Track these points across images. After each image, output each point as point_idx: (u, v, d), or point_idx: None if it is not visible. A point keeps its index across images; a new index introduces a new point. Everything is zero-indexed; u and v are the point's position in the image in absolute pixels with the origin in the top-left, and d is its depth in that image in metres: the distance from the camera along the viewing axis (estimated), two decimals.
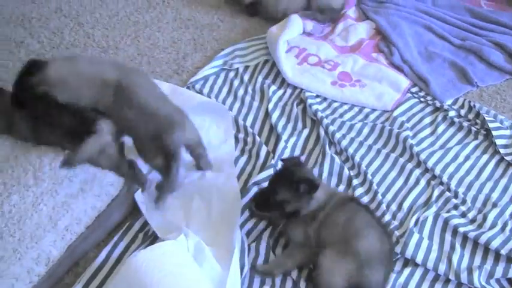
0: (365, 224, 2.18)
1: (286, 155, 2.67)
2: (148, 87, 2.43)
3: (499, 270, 2.29)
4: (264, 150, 2.67)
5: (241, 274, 2.20)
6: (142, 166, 2.48)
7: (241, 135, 2.76)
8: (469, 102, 2.94)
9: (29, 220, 2.21)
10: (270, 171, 2.54)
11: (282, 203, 2.19)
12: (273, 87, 3.00)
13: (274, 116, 2.85)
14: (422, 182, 2.57)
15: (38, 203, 2.25)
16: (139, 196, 2.47)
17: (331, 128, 2.75)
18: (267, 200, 2.22)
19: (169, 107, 2.39)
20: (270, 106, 2.89)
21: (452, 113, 2.88)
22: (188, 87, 2.99)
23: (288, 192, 2.18)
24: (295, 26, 3.27)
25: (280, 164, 2.52)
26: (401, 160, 2.65)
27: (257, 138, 2.72)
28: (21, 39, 3.27)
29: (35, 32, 3.32)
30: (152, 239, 2.33)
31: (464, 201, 2.50)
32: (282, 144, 2.69)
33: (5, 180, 2.29)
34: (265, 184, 2.40)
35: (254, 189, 2.49)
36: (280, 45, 3.11)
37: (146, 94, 2.38)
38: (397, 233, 2.34)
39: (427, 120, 2.87)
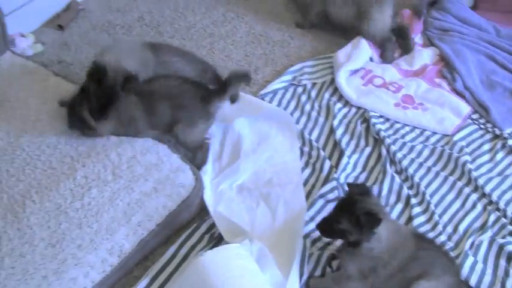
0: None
1: (348, 170, 2.67)
2: None
3: None
4: (327, 164, 2.68)
5: (300, 282, 2.21)
6: None
7: (306, 149, 2.76)
8: None
9: (105, 213, 2.26)
10: (333, 184, 2.55)
11: (343, 232, 2.05)
12: (339, 105, 3.00)
13: (339, 133, 2.85)
14: (479, 207, 2.54)
15: (115, 198, 2.31)
16: (208, 198, 2.49)
17: (393, 148, 2.74)
18: (330, 227, 2.08)
19: None
20: (335, 123, 2.89)
21: (511, 142, 2.83)
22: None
23: (349, 223, 2.01)
24: (361, 56, 3.27)
25: (345, 188, 2.49)
26: (459, 184, 2.62)
27: (321, 152, 2.73)
28: (105, 43, 3.33)
29: (118, 38, 3.39)
30: (217, 241, 2.36)
31: None
32: (344, 159, 2.69)
33: (87, 174, 2.35)
34: (331, 196, 2.41)
35: (320, 202, 2.50)
36: (341, 73, 3.12)
37: None
38: (452, 254, 2.31)
39: (486, 146, 2.84)
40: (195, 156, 2.66)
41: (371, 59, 3.32)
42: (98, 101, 2.47)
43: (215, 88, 2.68)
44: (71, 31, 3.44)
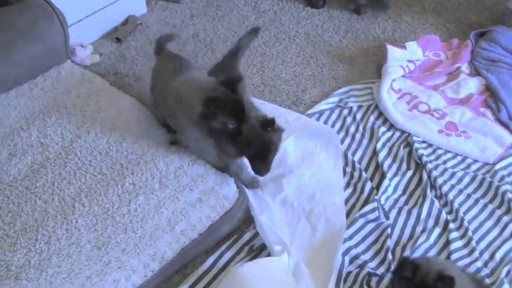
0: None
1: (388, 193, 2.66)
2: None
3: None
4: (368, 185, 2.66)
5: None
6: None
7: (348, 169, 2.76)
8: None
9: (150, 220, 2.29)
10: (374, 205, 2.54)
11: None
12: (383, 128, 2.98)
13: (381, 155, 2.83)
14: None
15: (160, 206, 2.34)
16: (253, 209, 2.51)
17: (434, 173, 2.71)
18: None
19: None
20: (378, 145, 2.87)
21: None
22: None
23: None
24: (391, 70, 3.28)
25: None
26: (499, 212, 2.58)
27: (363, 173, 2.71)
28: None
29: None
30: (256, 253, 2.36)
31: None
32: (386, 182, 2.67)
33: (135, 181, 2.39)
34: (371, 216, 2.45)
35: (360, 221, 2.50)
36: (385, 96, 3.12)
37: None
38: (488, 280, 2.28)
39: None
40: None
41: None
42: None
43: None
44: (128, 44, 3.50)
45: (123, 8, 3.63)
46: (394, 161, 2.83)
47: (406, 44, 3.47)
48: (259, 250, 2.36)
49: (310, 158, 2.80)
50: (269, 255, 2.28)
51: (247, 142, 2.28)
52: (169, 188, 2.40)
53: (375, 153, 2.86)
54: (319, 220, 2.51)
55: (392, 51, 3.38)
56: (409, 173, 2.77)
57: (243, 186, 2.57)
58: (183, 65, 2.64)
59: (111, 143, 2.56)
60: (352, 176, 2.73)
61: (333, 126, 3.01)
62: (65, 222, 2.24)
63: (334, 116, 3.07)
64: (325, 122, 3.03)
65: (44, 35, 2.92)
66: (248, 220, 2.49)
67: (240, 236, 2.43)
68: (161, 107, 2.61)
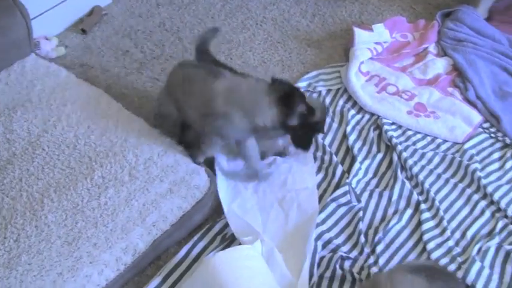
0: None
1: (359, 176, 2.65)
2: None
3: None
4: (339, 169, 2.66)
5: (309, 283, 2.19)
6: None
7: (319, 154, 2.74)
8: None
9: (121, 213, 2.25)
10: (345, 188, 2.53)
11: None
12: (352, 112, 2.97)
13: (351, 139, 2.82)
14: (487, 213, 2.50)
15: (131, 198, 2.30)
16: (223, 196, 2.50)
17: (404, 155, 2.71)
18: None
19: None
20: (348, 129, 2.86)
21: None
22: None
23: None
24: (359, 53, 3.28)
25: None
26: (469, 191, 2.59)
27: (334, 157, 2.71)
28: (126, 48, 3.35)
29: (139, 43, 3.40)
30: (229, 242, 2.34)
31: None
32: (356, 165, 2.66)
33: (104, 174, 2.35)
34: (343, 200, 2.48)
35: (332, 206, 2.49)
36: (353, 79, 3.10)
37: None
38: (459, 259, 2.30)
39: (496, 155, 2.80)
40: None
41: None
42: None
43: None
44: (93, 35, 3.45)
45: None
46: (364, 144, 2.82)
47: (373, 26, 3.46)
48: (231, 239, 2.35)
49: None
50: (241, 244, 2.27)
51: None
52: (139, 179, 2.37)
53: (345, 136, 2.85)
54: (291, 206, 2.50)
55: (360, 34, 3.37)
56: (380, 156, 2.77)
57: (214, 176, 2.55)
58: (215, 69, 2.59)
59: (78, 136, 2.52)
60: (323, 161, 2.72)
61: None
62: (34, 218, 2.20)
63: None
64: None
65: (6, 29, 2.85)
66: (220, 209, 2.46)
67: (213, 225, 2.41)
68: (192, 113, 2.53)
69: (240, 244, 2.28)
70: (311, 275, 2.22)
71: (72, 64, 3.20)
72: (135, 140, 2.52)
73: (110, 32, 3.48)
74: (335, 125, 2.92)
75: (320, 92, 3.10)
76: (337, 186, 2.59)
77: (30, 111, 2.63)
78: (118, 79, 3.12)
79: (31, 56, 2.98)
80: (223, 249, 2.25)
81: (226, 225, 2.40)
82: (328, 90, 3.13)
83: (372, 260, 2.31)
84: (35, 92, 2.74)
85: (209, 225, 2.41)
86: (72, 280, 2.06)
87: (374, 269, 2.27)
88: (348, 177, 2.61)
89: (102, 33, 3.47)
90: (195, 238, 2.37)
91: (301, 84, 3.12)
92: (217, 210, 2.48)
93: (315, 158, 2.73)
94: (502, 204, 2.53)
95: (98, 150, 2.46)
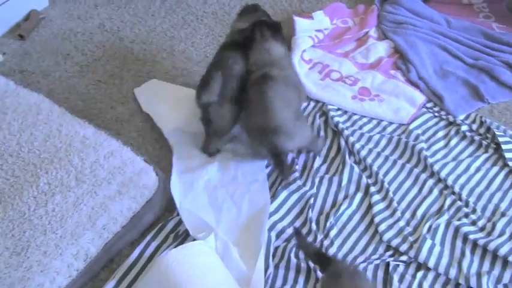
0: None
1: (308, 162, 2.65)
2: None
3: (507, 276, 2.25)
4: (289, 156, 2.65)
5: (265, 275, 2.18)
6: None
7: None
8: (481, 117, 2.89)
9: (70, 219, 2.21)
10: (294, 175, 2.55)
11: None
12: None
13: None
14: (435, 192, 2.53)
15: (79, 203, 2.26)
16: (175, 192, 2.46)
17: (351, 139, 2.72)
18: None
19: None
20: None
21: (464, 128, 2.83)
22: None
23: None
24: (300, 42, 3.28)
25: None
26: (416, 170, 2.61)
27: None
28: (67, 51, 3.28)
29: (79, 45, 3.34)
30: (182, 239, 2.31)
31: (474, 210, 2.46)
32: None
33: (50, 180, 2.30)
34: (294, 187, 2.50)
35: (283, 194, 2.49)
36: (296, 67, 3.09)
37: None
38: (411, 238, 2.31)
39: (441, 133, 2.83)
40: None
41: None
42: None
43: None
44: (32, 40, 3.37)
45: (23, 3, 3.48)
46: (311, 130, 2.82)
47: (313, 14, 3.47)
48: (185, 236, 2.32)
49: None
50: (195, 240, 2.24)
51: None
52: (86, 183, 2.32)
53: None
54: (243, 199, 2.48)
55: (300, 22, 3.37)
56: (328, 142, 2.77)
57: (163, 174, 2.52)
58: None
59: (21, 143, 2.46)
60: None
61: None
62: None
63: None
64: None
65: None
66: (171, 207, 2.44)
67: (165, 224, 2.38)
68: None
69: (193, 241, 2.25)
70: (267, 267, 2.21)
71: (11, 71, 3.12)
72: (80, 144, 2.47)
73: (49, 36, 3.41)
74: None
75: None
76: None
77: None
78: (60, 83, 3.06)
79: None
80: (176, 247, 2.22)
81: (179, 223, 2.37)
82: None
83: (326, 243, 2.32)
84: None
85: (161, 224, 2.38)
86: None
87: (329, 253, 2.28)
88: (297, 164, 2.62)
89: (40, 38, 3.39)
90: (148, 238, 2.33)
91: None
92: (168, 209, 2.45)
93: None
94: (449, 181, 2.56)
95: (42, 156, 2.41)
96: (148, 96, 2.97)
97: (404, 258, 2.26)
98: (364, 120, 2.91)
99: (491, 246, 2.30)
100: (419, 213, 2.45)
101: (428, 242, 2.28)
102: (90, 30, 3.47)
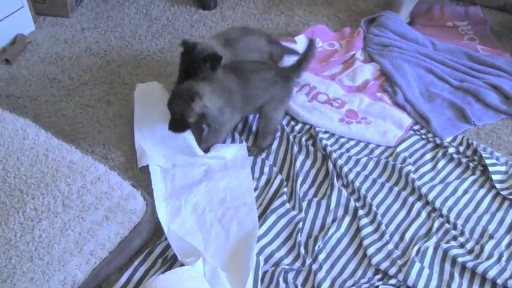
0: None
1: (298, 184, 2.65)
2: None
3: None
4: (278, 179, 2.67)
5: None
6: None
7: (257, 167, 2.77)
8: (467, 139, 2.91)
9: (57, 245, 2.19)
10: (283, 198, 2.55)
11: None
12: (285, 120, 3.03)
13: (287, 147, 2.87)
14: (423, 214, 2.54)
15: (66, 228, 2.24)
16: (162, 217, 2.45)
17: (339, 162, 2.73)
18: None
19: None
20: (284, 138, 2.91)
21: (451, 150, 2.85)
22: None
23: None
24: None
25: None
26: (404, 193, 2.62)
27: (274, 168, 2.75)
28: (53, 75, 3.28)
29: (66, 70, 3.34)
30: (170, 263, 2.30)
31: (462, 233, 2.47)
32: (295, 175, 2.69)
33: (36, 206, 2.28)
34: (282, 210, 2.50)
35: (272, 217, 2.48)
36: None
37: None
38: (399, 261, 2.31)
39: (428, 156, 2.85)
40: (267, 138, 2.85)
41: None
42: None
43: (293, 66, 2.95)
44: (18, 65, 3.36)
45: (9, 28, 3.49)
46: (299, 152, 2.84)
47: (295, 38, 3.50)
48: (173, 261, 2.30)
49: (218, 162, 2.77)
50: (183, 265, 2.23)
51: None
52: (73, 209, 2.31)
53: (281, 146, 2.89)
54: (231, 223, 2.47)
55: None
56: (316, 165, 2.78)
57: (150, 198, 2.51)
58: None
59: (7, 169, 2.44)
60: (262, 172, 2.74)
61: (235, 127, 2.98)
62: None
63: None
64: None
65: None
66: (159, 232, 2.43)
67: (153, 249, 2.37)
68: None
69: (182, 265, 2.24)
70: None
71: None
72: (67, 169, 2.46)
73: (36, 60, 3.41)
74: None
75: None
76: (275, 195, 2.60)
77: None
78: (46, 107, 3.05)
79: None
80: (164, 272, 2.21)
81: (167, 247, 2.36)
82: None
83: (315, 267, 2.31)
84: None
85: (149, 249, 2.36)
86: None
87: (318, 277, 2.27)
88: (286, 186, 2.63)
89: (27, 62, 3.39)
90: (136, 263, 2.31)
91: None
92: (156, 233, 2.44)
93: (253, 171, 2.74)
94: (437, 204, 2.57)
95: (28, 182, 2.39)
96: (145, 95, 3.04)
97: (393, 281, 2.26)
98: (352, 143, 2.92)
99: (480, 269, 2.30)
100: (407, 236, 2.46)
101: (417, 265, 2.29)
102: (77, 54, 3.47)
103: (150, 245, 2.40)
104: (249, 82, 2.68)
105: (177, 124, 2.60)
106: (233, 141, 2.88)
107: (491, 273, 2.29)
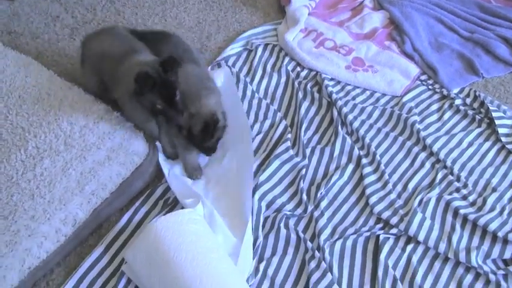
0: None
1: (302, 130, 2.64)
2: None
3: (496, 251, 2.26)
4: (282, 124, 2.67)
5: (255, 245, 2.19)
6: None
7: (261, 112, 2.75)
8: (475, 91, 2.89)
9: (58, 183, 2.19)
10: (287, 144, 2.54)
11: None
12: (290, 66, 3.01)
13: (292, 92, 2.85)
14: (427, 165, 2.54)
15: (68, 167, 2.24)
16: (163, 161, 2.46)
17: (344, 110, 2.71)
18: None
19: None
20: (289, 83, 2.90)
21: (458, 101, 2.83)
22: (213, 66, 2.95)
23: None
24: (299, 15, 3.25)
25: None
26: (409, 143, 2.61)
27: (278, 114, 2.73)
28: (56, 13, 3.24)
29: (69, 8, 3.29)
30: (171, 206, 2.31)
31: (465, 185, 2.47)
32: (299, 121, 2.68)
33: (38, 144, 2.27)
34: (285, 156, 2.49)
35: (275, 163, 2.48)
36: (289, 41, 3.09)
37: None
38: (401, 211, 2.32)
39: (434, 107, 2.83)
40: None
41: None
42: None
43: None
44: (20, 1, 3.31)
45: None
46: (304, 98, 2.83)
47: None
48: (174, 204, 2.32)
49: None
50: (183, 208, 2.24)
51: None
52: (75, 148, 2.30)
53: (286, 92, 2.86)
54: (231, 163, 2.47)
55: None
56: (321, 112, 2.77)
57: (155, 142, 2.50)
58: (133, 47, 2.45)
59: (9, 106, 2.42)
60: (266, 116, 2.73)
61: (240, 70, 2.96)
62: None
63: (240, 61, 3.02)
64: (233, 66, 2.98)
65: None
66: (160, 174, 2.43)
67: (153, 190, 2.37)
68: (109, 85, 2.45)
69: (182, 208, 2.25)
70: (256, 237, 2.22)
71: None
72: (69, 108, 2.44)
73: None
74: (276, 80, 2.92)
75: (257, 47, 3.08)
76: (279, 141, 2.60)
77: None
78: (49, 46, 3.02)
79: None
80: (165, 214, 2.22)
81: (168, 189, 2.37)
82: (266, 45, 3.12)
83: (316, 214, 2.32)
84: None
85: (150, 191, 2.37)
86: (10, 255, 2.00)
87: (320, 224, 2.28)
88: (290, 132, 2.62)
89: None
90: (137, 204, 2.33)
91: (238, 44, 3.09)
92: (158, 176, 2.44)
93: (257, 117, 2.72)
94: (441, 155, 2.57)
95: (30, 120, 2.37)
96: None
97: (394, 231, 2.27)
98: (358, 91, 2.90)
99: (481, 221, 2.31)
100: (410, 186, 2.46)
101: (419, 216, 2.30)
102: None
103: (151, 187, 2.40)
104: None
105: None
106: None
107: (492, 226, 2.30)
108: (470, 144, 2.66)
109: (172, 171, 2.41)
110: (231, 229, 2.20)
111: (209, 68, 2.90)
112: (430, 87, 2.93)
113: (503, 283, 2.15)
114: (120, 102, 2.39)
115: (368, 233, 2.27)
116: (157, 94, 2.18)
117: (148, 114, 2.33)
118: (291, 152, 2.52)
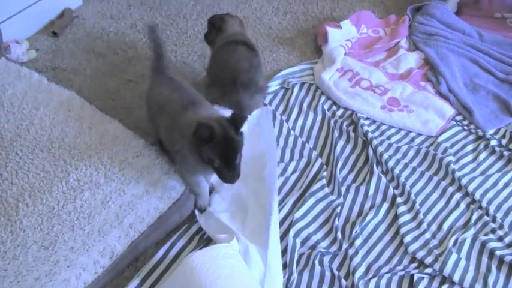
0: None
1: (338, 169, 2.65)
2: None
3: None
4: (318, 162, 2.68)
5: (289, 281, 2.20)
6: None
7: (297, 149, 2.76)
8: (510, 132, 2.88)
9: (97, 216, 2.23)
10: (322, 182, 2.55)
11: None
12: (327, 105, 3.03)
13: (328, 131, 2.87)
14: (462, 205, 2.52)
15: (107, 200, 2.28)
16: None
17: (379, 149, 2.71)
18: None
19: None
20: (325, 123, 2.91)
21: (493, 142, 2.82)
22: None
23: None
24: (336, 54, 3.27)
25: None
26: (444, 183, 2.60)
27: (314, 152, 2.74)
28: (99, 50, 3.31)
29: (111, 45, 3.37)
30: (207, 242, 2.33)
31: (501, 226, 2.44)
32: (335, 159, 2.69)
33: (79, 177, 2.33)
34: (321, 194, 2.49)
35: (311, 200, 2.49)
36: (326, 80, 3.10)
37: None
38: (436, 251, 2.30)
39: (470, 147, 2.81)
40: None
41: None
42: None
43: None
44: (65, 38, 3.41)
45: (57, 1, 3.54)
46: (340, 137, 2.84)
47: (340, 23, 3.47)
48: (210, 239, 2.33)
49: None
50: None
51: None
52: (115, 181, 2.34)
53: (322, 130, 2.88)
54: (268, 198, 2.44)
55: (332, 32, 3.37)
56: (356, 151, 2.78)
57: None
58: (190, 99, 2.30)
59: (52, 139, 2.49)
60: (302, 155, 2.74)
61: (276, 108, 2.99)
62: (9, 224, 2.17)
63: (277, 99, 3.05)
64: (270, 104, 3.01)
65: None
66: None
67: (190, 225, 2.39)
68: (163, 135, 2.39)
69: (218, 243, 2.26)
70: (291, 273, 2.22)
71: (43, 67, 3.17)
72: (110, 142, 2.50)
73: (82, 34, 3.45)
74: (311, 119, 2.94)
75: (293, 86, 3.11)
76: (314, 179, 2.60)
77: (2, 116, 2.60)
78: (91, 81, 3.09)
79: (1, 60, 2.95)
80: (201, 249, 2.23)
81: None
82: (302, 84, 3.14)
83: (351, 252, 2.31)
84: (7, 97, 2.70)
85: (187, 226, 2.39)
86: (49, 285, 2.04)
87: (354, 262, 2.27)
88: (325, 170, 2.63)
89: (73, 36, 3.43)
90: (173, 238, 2.34)
91: (275, 82, 3.12)
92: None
93: (293, 154, 2.74)
94: (477, 196, 2.55)
95: (72, 153, 2.43)
96: None
97: (429, 270, 2.25)
98: (393, 130, 2.90)
99: None
100: (445, 226, 2.44)
101: (454, 256, 2.28)
102: (122, 30, 3.50)
103: (188, 222, 2.42)
104: None
105: None
106: None
107: None
108: (506, 186, 2.64)
109: (206, 213, 2.43)
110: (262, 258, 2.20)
111: None
112: (465, 127, 2.92)
113: None
114: (174, 153, 2.31)
115: (402, 272, 2.26)
116: (217, 152, 2.02)
117: (197, 168, 2.20)
118: (326, 190, 2.53)
